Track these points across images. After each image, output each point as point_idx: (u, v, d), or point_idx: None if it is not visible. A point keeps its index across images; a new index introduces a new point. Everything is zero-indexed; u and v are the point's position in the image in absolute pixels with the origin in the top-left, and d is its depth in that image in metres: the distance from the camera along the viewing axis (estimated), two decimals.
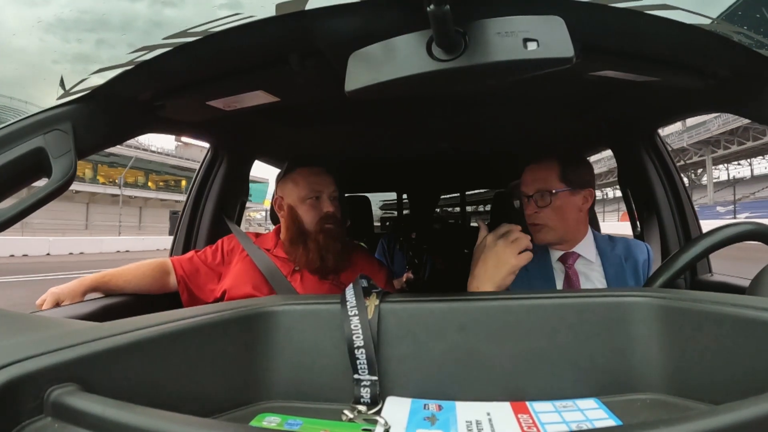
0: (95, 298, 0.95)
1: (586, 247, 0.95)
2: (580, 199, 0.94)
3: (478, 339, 0.47)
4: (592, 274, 0.93)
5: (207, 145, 1.37)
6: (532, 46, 0.42)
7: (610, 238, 1.00)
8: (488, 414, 0.41)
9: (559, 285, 0.94)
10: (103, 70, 0.66)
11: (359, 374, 0.46)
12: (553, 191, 0.92)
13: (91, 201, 25.57)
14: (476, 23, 0.44)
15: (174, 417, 0.27)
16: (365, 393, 0.45)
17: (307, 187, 1.05)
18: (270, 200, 1.26)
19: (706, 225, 0.96)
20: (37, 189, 0.62)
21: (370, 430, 0.39)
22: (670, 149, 1.30)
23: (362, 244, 1.40)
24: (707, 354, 0.42)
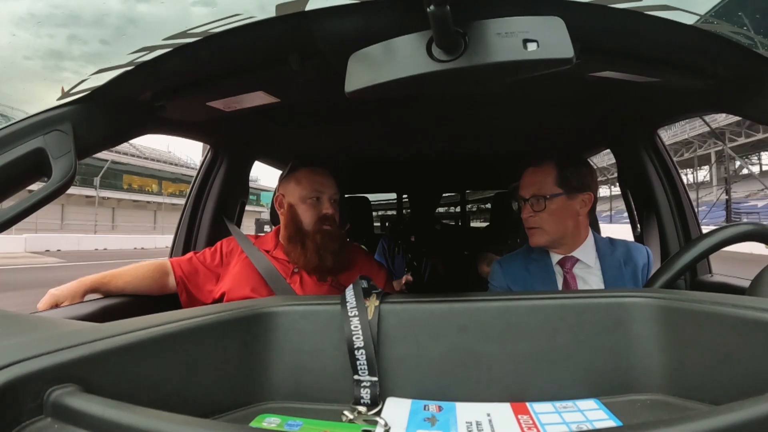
0: (95, 299, 0.95)
1: (586, 251, 0.95)
2: (577, 203, 0.93)
3: (478, 340, 0.47)
4: (590, 278, 0.93)
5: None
6: (532, 46, 0.42)
7: (611, 241, 0.99)
8: (488, 415, 0.41)
9: (559, 288, 0.94)
10: (103, 70, 0.66)
11: (359, 375, 0.46)
12: (548, 196, 0.92)
13: (158, 209, 31.47)
14: (476, 24, 0.44)
15: (174, 417, 0.27)
16: (365, 394, 0.45)
17: (309, 187, 1.05)
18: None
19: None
20: (37, 189, 0.62)
21: (370, 430, 0.39)
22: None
23: (362, 246, 1.40)
24: (707, 354, 0.42)
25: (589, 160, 1.12)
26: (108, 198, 27.48)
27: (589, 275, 0.93)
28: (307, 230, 1.03)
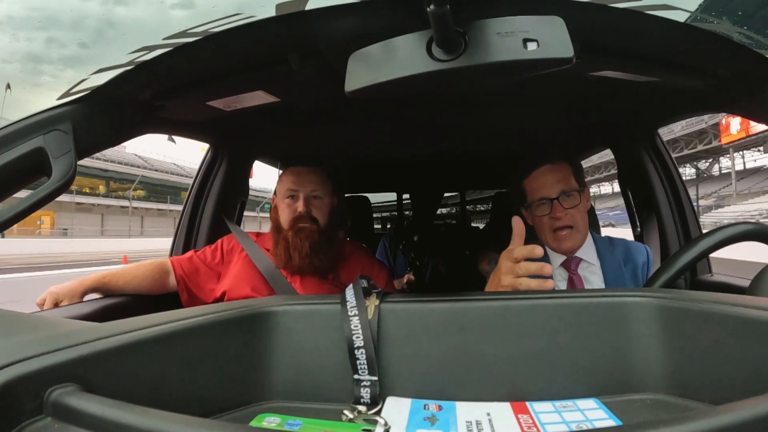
0: (95, 299, 0.95)
1: (587, 250, 0.94)
2: (586, 199, 0.93)
3: (478, 339, 0.47)
4: (592, 278, 0.92)
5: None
6: (532, 46, 0.42)
7: (610, 240, 0.98)
8: (488, 414, 0.41)
9: (563, 287, 0.93)
10: (103, 70, 0.66)
11: (359, 374, 0.46)
12: (577, 190, 0.90)
13: None
14: (476, 23, 0.44)
15: (174, 417, 0.27)
16: (365, 393, 0.45)
17: (285, 186, 1.06)
18: None
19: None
20: (38, 189, 0.62)
21: (370, 430, 0.39)
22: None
23: (363, 245, 1.40)
24: (707, 354, 0.42)
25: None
26: (172, 210, 32.73)
27: (591, 275, 0.93)
28: (284, 228, 1.03)
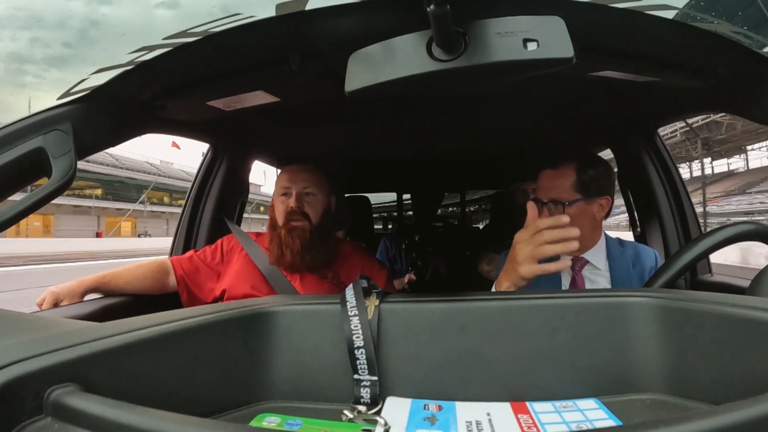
0: (95, 299, 0.95)
1: (597, 253, 0.94)
2: (595, 207, 0.91)
3: (479, 339, 0.47)
4: (598, 280, 0.92)
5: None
6: (532, 46, 0.42)
7: (621, 242, 0.98)
8: (488, 414, 0.41)
9: (566, 287, 0.93)
10: (102, 70, 0.66)
11: (359, 374, 0.46)
12: (567, 202, 0.89)
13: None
14: (476, 23, 0.44)
15: (174, 417, 0.27)
16: (365, 393, 0.45)
17: (279, 183, 1.07)
18: None
19: None
20: (38, 189, 0.62)
21: (370, 430, 0.39)
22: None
23: (362, 245, 1.40)
24: (707, 354, 0.42)
25: None
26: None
27: (598, 277, 0.93)
28: (278, 225, 1.04)
